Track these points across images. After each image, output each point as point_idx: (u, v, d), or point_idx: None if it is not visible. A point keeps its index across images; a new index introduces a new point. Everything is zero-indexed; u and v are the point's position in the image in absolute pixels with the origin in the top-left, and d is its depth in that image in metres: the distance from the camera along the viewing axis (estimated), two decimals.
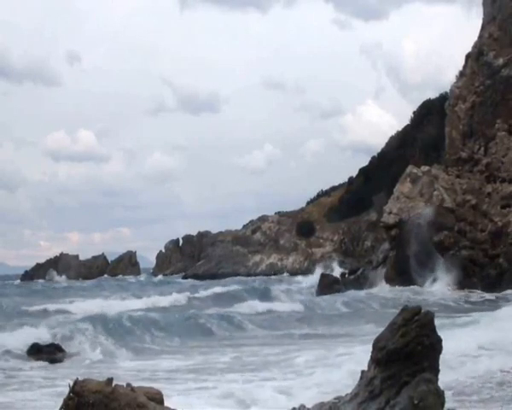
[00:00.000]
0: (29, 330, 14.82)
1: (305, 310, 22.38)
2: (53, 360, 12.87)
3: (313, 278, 36.65)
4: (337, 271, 40.26)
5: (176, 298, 26.85)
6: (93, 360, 13.30)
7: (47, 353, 13.19)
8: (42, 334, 14.48)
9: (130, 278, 66.80)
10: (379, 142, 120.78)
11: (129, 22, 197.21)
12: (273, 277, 54.55)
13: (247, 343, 15.33)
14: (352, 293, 28.16)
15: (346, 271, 39.47)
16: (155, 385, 6.40)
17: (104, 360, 13.32)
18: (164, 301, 25.93)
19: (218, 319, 18.68)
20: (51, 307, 23.64)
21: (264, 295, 28.04)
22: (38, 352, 13.14)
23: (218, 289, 31.45)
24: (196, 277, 61.44)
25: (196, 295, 29.06)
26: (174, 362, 12.63)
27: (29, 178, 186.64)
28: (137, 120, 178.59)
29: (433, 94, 57.79)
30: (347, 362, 9.88)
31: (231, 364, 12.06)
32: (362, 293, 27.89)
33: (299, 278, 43.06)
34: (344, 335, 16.25)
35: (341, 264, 48.19)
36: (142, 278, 70.03)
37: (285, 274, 57.69)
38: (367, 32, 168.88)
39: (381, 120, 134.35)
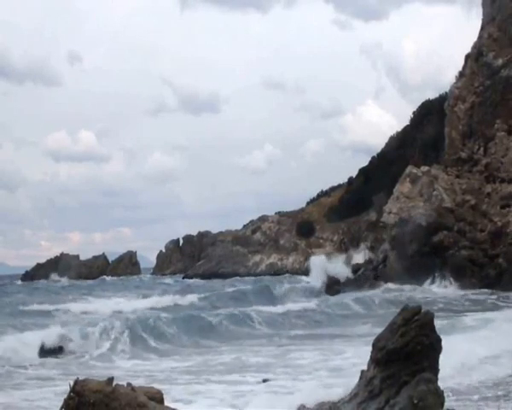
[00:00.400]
0: (37, 330, 14.82)
1: (319, 309, 22.24)
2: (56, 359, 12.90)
3: (313, 278, 36.24)
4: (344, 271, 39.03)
5: (188, 298, 26.34)
6: (96, 360, 13.32)
7: (49, 352, 13.22)
8: (48, 334, 14.49)
9: (134, 278, 66.87)
10: (379, 142, 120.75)
11: (129, 22, 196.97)
12: (276, 276, 54.47)
13: (261, 343, 15.34)
14: (357, 293, 28.04)
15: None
16: (157, 385, 6.42)
17: (106, 359, 13.34)
18: (177, 300, 25.50)
19: (232, 318, 18.49)
20: (57, 307, 23.56)
21: (275, 295, 27.75)
22: (40, 351, 13.18)
23: (228, 289, 31.31)
24: (197, 277, 61.57)
25: (207, 294, 28.78)
26: (182, 363, 12.60)
27: (29, 179, 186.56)
28: (138, 120, 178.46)
29: (433, 94, 57.80)
30: (358, 364, 9.85)
31: (242, 364, 12.04)
32: (367, 293, 27.76)
33: (304, 277, 42.71)
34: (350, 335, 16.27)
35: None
36: (146, 277, 70.15)
37: (287, 274, 57.55)
38: (367, 32, 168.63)
39: (380, 121, 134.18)
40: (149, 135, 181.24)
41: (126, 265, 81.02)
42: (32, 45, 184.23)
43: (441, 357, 5.81)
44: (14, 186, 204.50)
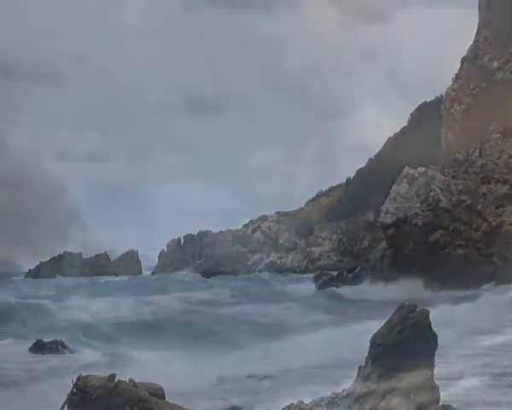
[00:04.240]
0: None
1: None
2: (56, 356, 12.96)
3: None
4: None
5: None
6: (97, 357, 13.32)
7: (50, 350, 13.28)
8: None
9: (152, 276, 67.02)
10: (379, 143, 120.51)
11: (135, 23, 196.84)
12: (280, 276, 54.33)
13: None
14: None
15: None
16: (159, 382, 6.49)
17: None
18: None
19: None
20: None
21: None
22: (42, 348, 13.24)
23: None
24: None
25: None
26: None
27: (34, 178, 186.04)
28: (142, 120, 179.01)
29: (432, 97, 57.73)
30: None
31: None
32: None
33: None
34: None
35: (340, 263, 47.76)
36: (156, 276, 70.29)
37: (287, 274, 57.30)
38: (369, 34, 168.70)
39: (380, 122, 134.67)
40: (153, 135, 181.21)
41: (128, 263, 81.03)
42: (39, 45, 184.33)
43: None
44: (18, 185, 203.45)
